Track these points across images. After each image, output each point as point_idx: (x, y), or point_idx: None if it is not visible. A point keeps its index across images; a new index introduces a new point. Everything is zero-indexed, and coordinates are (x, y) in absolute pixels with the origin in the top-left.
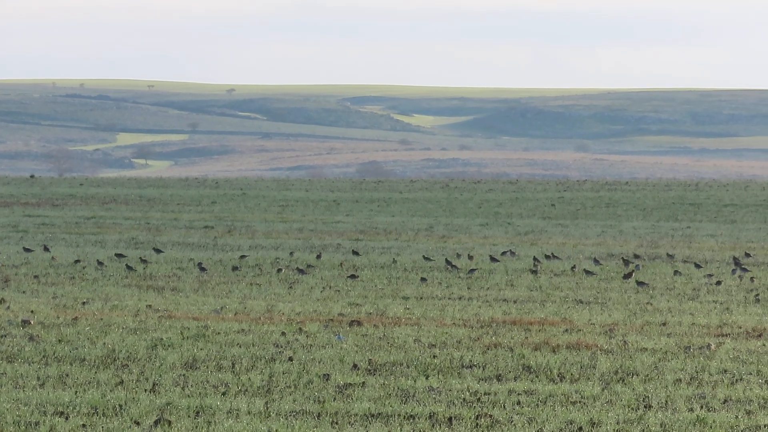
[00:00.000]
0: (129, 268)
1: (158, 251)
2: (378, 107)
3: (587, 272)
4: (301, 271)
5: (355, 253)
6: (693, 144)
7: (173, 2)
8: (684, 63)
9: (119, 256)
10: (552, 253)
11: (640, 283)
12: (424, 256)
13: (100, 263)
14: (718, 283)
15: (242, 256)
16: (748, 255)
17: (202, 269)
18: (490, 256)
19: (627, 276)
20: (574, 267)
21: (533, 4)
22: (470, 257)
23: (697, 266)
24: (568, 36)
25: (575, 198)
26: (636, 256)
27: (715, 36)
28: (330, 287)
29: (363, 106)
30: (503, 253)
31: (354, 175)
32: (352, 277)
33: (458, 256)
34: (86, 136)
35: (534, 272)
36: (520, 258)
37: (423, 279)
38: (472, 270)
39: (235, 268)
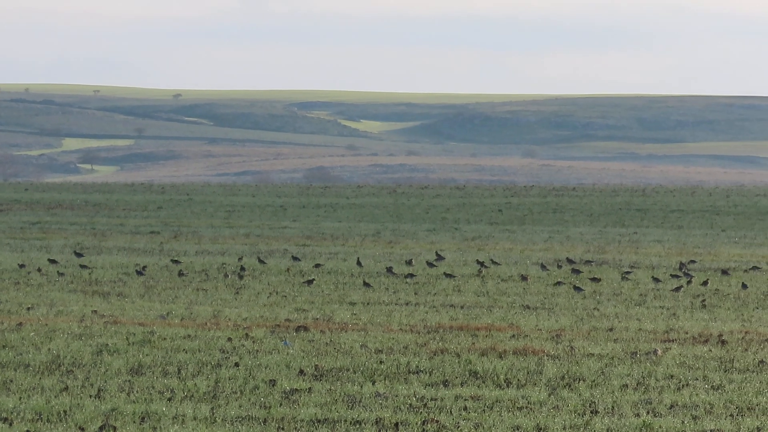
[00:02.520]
0: (60, 274)
1: (78, 255)
2: (325, 113)
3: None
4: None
5: (317, 265)
6: (640, 150)
7: (119, 7)
8: (631, 69)
9: (52, 261)
10: (492, 259)
11: (576, 288)
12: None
13: (51, 261)
14: (677, 289)
15: (174, 261)
16: (692, 261)
17: (140, 273)
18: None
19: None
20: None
21: (481, 10)
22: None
23: (624, 276)
24: (515, 42)
25: (522, 203)
26: (587, 262)
27: (663, 42)
28: (277, 293)
29: (310, 111)
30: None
31: (301, 181)
32: (309, 282)
33: (408, 262)
34: (31, 141)
35: (452, 276)
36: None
37: (366, 284)
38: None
39: (181, 274)
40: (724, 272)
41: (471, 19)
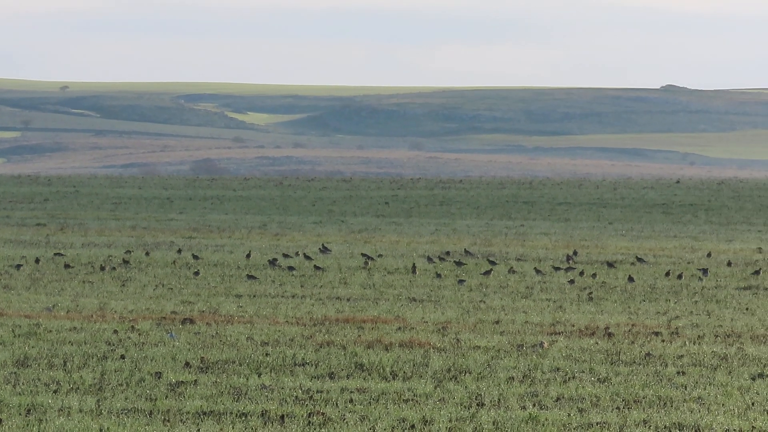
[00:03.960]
0: None
1: None
2: (212, 105)
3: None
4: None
5: (251, 277)
6: (527, 142)
7: None
8: (518, 62)
9: None
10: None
11: (460, 281)
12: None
13: None
14: (571, 281)
15: (57, 254)
16: (575, 253)
17: (18, 267)
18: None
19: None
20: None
21: (369, 3)
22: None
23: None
24: (403, 34)
25: (409, 196)
26: (468, 254)
27: (550, 35)
28: (163, 285)
29: (197, 103)
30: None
31: (188, 173)
32: (196, 274)
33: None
34: None
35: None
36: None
37: (251, 276)
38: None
39: (67, 266)
40: (611, 265)
41: (359, 12)
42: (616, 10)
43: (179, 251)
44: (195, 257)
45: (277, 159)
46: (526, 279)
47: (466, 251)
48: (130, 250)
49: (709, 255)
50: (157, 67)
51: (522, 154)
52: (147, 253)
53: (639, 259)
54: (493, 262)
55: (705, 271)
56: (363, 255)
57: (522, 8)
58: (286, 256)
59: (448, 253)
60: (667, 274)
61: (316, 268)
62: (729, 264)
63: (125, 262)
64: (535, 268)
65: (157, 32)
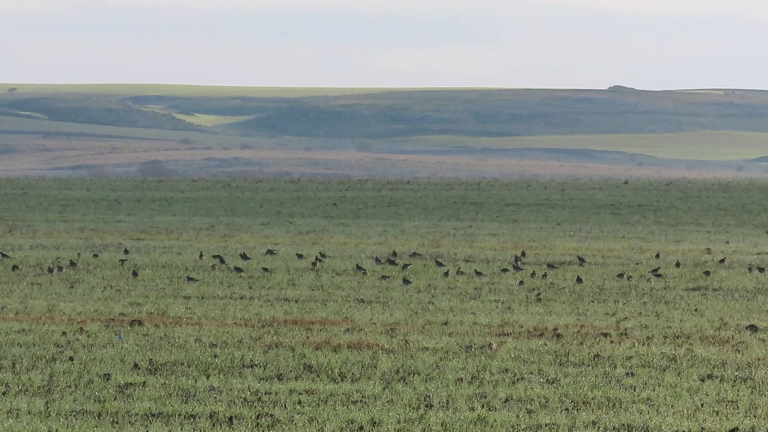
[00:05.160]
0: None
1: None
2: (159, 106)
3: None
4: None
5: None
6: (475, 143)
7: None
8: (466, 63)
9: None
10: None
11: (405, 281)
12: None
13: None
14: (520, 282)
15: (5, 256)
16: (523, 254)
17: None
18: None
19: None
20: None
21: (316, 4)
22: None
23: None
24: (349, 35)
25: (357, 197)
26: (416, 255)
27: (498, 36)
28: (111, 287)
29: (144, 105)
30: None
31: (135, 175)
32: (134, 275)
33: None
34: None
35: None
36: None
37: (190, 279)
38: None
39: (15, 268)
40: (551, 266)
41: (306, 13)
42: (562, 11)
43: (126, 251)
44: (123, 257)
45: (225, 160)
46: (474, 280)
47: (414, 253)
48: (80, 252)
49: (657, 256)
50: (104, 69)
51: (470, 155)
52: (95, 255)
53: (581, 260)
54: (440, 264)
55: (657, 272)
56: (298, 256)
57: (469, 9)
58: (215, 256)
59: (395, 254)
60: (620, 275)
61: (265, 270)
62: (678, 265)
63: (72, 263)
64: (475, 270)
65: (105, 34)
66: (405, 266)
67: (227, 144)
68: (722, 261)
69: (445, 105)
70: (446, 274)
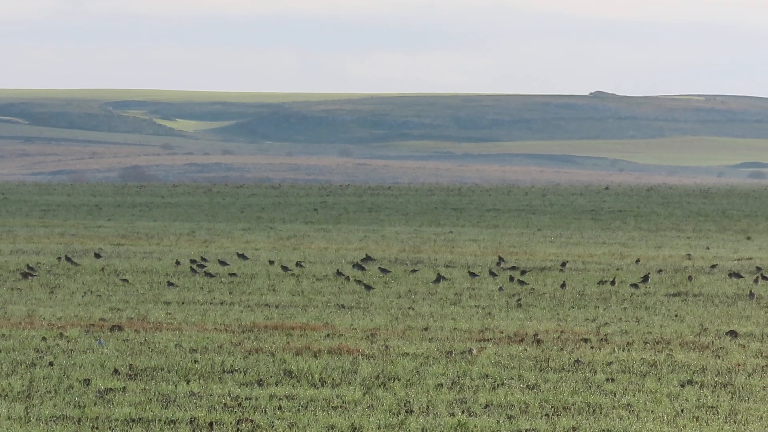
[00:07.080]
0: None
1: None
2: (140, 112)
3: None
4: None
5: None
6: (456, 149)
7: None
8: (447, 68)
9: None
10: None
11: (367, 287)
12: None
13: None
14: (500, 288)
15: None
16: (501, 260)
17: None
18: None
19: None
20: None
21: (298, 10)
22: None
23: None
24: (331, 41)
25: (338, 203)
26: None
27: (479, 42)
28: (91, 292)
29: (125, 110)
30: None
31: (116, 180)
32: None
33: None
34: None
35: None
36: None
37: (170, 284)
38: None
39: None
40: (524, 272)
41: (288, 19)
42: (543, 17)
43: (96, 255)
44: (96, 255)
45: (206, 166)
46: (455, 285)
47: (395, 259)
48: (60, 257)
49: (638, 261)
50: (85, 74)
51: (451, 161)
52: (70, 260)
53: (563, 264)
54: (414, 270)
55: (646, 278)
56: (270, 262)
57: (450, 15)
58: (193, 260)
59: (373, 259)
60: (602, 282)
61: (231, 275)
62: (659, 271)
63: (31, 269)
64: (438, 274)
65: (86, 39)
66: (384, 271)
67: (208, 149)
68: (714, 266)
69: (426, 110)
70: (438, 280)
